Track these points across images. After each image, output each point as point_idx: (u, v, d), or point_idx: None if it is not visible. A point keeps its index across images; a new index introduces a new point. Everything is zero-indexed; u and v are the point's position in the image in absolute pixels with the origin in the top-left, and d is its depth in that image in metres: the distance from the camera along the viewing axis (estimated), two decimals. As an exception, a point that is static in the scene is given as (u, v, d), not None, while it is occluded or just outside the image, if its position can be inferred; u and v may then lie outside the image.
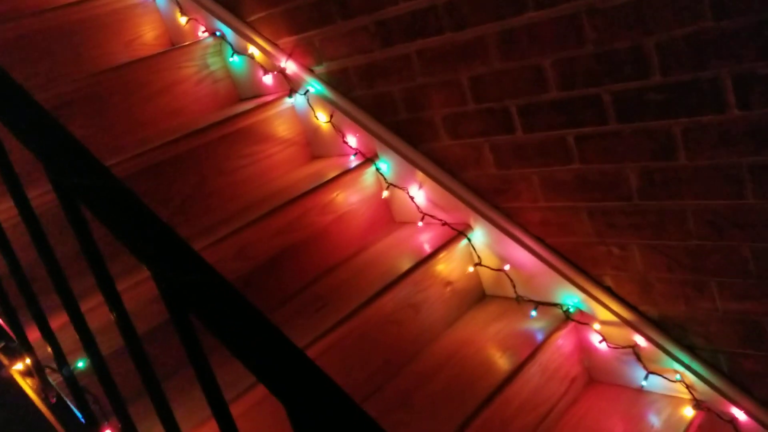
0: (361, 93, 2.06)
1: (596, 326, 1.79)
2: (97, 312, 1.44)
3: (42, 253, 1.07)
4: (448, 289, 1.95)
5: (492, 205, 1.91)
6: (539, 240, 1.86)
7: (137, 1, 2.41)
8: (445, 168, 1.97)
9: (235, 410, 0.97)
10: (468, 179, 1.93)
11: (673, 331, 1.71)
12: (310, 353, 1.63)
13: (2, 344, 1.33)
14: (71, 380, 1.19)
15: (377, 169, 2.08)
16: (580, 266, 1.81)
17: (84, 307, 1.27)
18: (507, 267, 1.90)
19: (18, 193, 1.15)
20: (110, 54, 2.34)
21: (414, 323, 1.87)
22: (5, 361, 1.32)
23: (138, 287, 1.54)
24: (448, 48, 1.79)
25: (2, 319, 1.39)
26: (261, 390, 1.51)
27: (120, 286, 1.04)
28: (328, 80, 2.12)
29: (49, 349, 1.23)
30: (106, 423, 1.24)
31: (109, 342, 1.43)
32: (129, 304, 1.02)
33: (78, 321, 1.13)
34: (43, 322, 1.21)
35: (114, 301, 1.00)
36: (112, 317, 1.16)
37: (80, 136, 1.37)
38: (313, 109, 2.16)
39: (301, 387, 0.73)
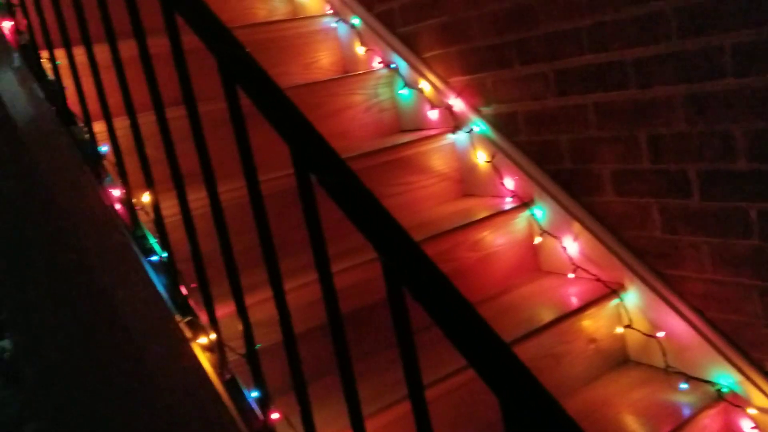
0: (527, 138, 2.09)
1: (750, 411, 1.70)
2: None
3: (262, 235, 1.14)
4: (592, 346, 1.91)
5: (651, 269, 1.87)
6: (698, 312, 1.79)
7: (320, 28, 2.56)
8: (605, 223, 1.95)
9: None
10: (628, 238, 1.90)
11: (839, 430, 1.60)
12: (446, 386, 1.64)
13: (189, 318, 1.41)
14: (253, 359, 1.25)
15: (532, 215, 2.08)
16: (741, 346, 1.73)
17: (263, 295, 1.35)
18: (661, 334, 1.84)
19: (211, 186, 1.24)
20: (289, 74, 2.49)
21: (553, 374, 1.83)
22: (189, 334, 1.40)
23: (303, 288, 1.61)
24: (629, 104, 1.79)
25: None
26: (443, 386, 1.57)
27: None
28: (494, 122, 2.16)
29: (236, 328, 1.29)
30: (272, 407, 1.29)
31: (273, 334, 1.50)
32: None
33: (279, 298, 1.20)
34: (239, 299, 1.28)
35: (279, 294, 1.07)
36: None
37: (258, 144, 1.47)
38: (474, 147, 2.20)
39: (514, 380, 0.78)
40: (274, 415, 1.29)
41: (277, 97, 1.05)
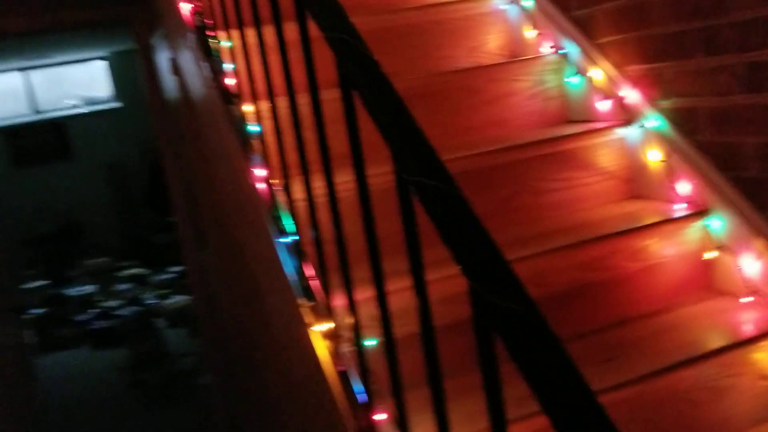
0: (707, 138, 1.84)
1: None
2: (398, 295, 1.48)
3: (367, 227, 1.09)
4: (764, 383, 1.64)
5: None
6: None
7: (488, 10, 2.44)
8: (796, 243, 1.66)
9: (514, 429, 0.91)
10: (823, 263, 1.61)
11: None
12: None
13: (313, 303, 1.41)
14: (361, 354, 1.21)
15: (706, 226, 1.84)
16: None
17: (390, 287, 1.30)
18: None
19: (360, 169, 1.19)
20: (453, 57, 2.41)
21: (712, 409, 1.61)
22: (309, 320, 1.40)
23: (443, 282, 1.54)
24: (837, 105, 1.50)
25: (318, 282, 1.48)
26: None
27: (429, 276, 1.03)
28: (671, 117, 1.93)
29: (349, 320, 1.26)
30: (380, 406, 1.24)
31: (400, 327, 1.46)
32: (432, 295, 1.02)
33: (381, 298, 1.15)
34: (349, 294, 1.25)
35: (421, 288, 1.00)
36: (406, 304, 1.17)
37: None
38: (646, 145, 1.98)
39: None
40: (380, 416, 1.24)
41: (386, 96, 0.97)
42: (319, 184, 1.52)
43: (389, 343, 1.09)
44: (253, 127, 1.73)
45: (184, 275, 6.91)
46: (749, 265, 1.75)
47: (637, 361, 1.59)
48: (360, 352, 1.22)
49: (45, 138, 7.73)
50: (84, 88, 7.87)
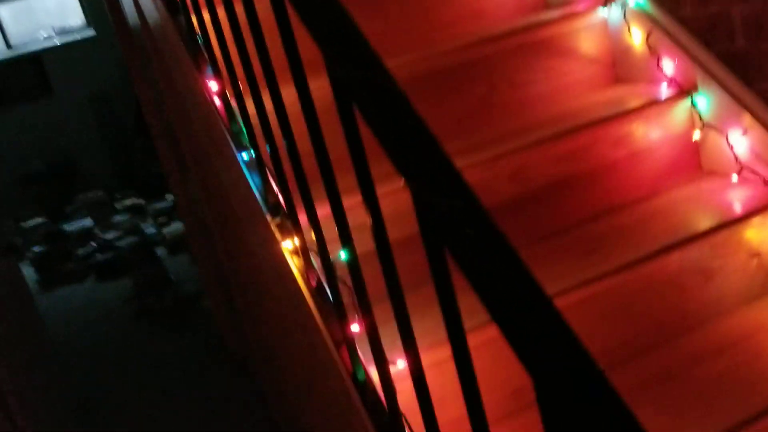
0: (691, 12, 1.72)
1: None
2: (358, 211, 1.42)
3: (315, 143, 1.02)
4: (754, 261, 1.61)
5: (840, 172, 1.50)
6: None
7: None
8: (785, 116, 1.58)
9: (472, 340, 0.87)
10: (813, 134, 1.53)
11: None
12: (569, 298, 1.45)
13: (278, 221, 1.36)
14: (328, 267, 1.17)
15: (693, 105, 1.75)
16: None
17: (348, 202, 1.24)
18: (844, 252, 1.50)
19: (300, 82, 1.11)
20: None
21: (701, 292, 1.58)
22: (278, 237, 1.35)
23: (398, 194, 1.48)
24: (827, -40, 1.38)
25: (281, 198, 1.42)
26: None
27: (381, 190, 0.96)
28: (654, -8, 1.81)
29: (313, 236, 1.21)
30: (356, 317, 1.20)
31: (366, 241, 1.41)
32: (387, 209, 0.95)
33: (338, 215, 1.10)
34: (310, 208, 1.19)
35: (372, 203, 0.94)
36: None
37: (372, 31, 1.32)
38: (628, 24, 1.87)
39: (548, 354, 0.60)
40: (354, 326, 1.21)
41: None
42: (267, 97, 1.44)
43: (353, 260, 1.04)
44: (199, 39, 1.62)
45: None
46: (737, 141, 1.68)
47: (622, 250, 1.55)
48: (327, 266, 1.18)
49: (22, 75, 7.52)
50: (56, 18, 7.59)
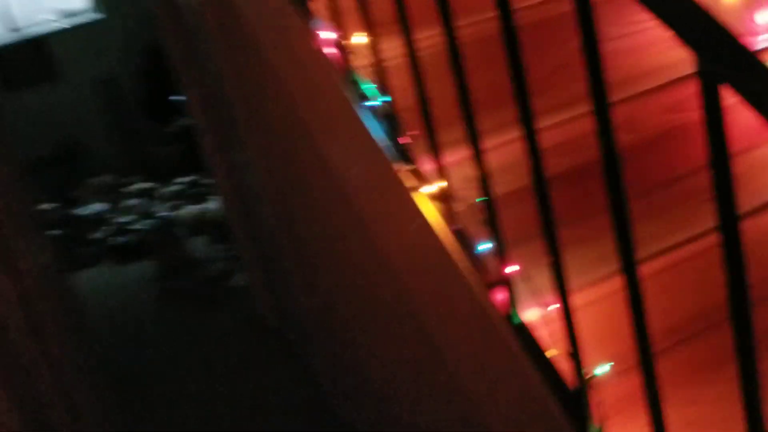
0: (795, -42, 1.70)
1: None
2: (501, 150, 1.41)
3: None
4: None
5: None
6: None
7: None
8: None
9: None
10: None
11: None
12: (695, 247, 1.45)
13: (412, 167, 1.33)
14: (490, 206, 1.14)
15: (794, 55, 1.74)
16: None
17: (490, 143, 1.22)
18: None
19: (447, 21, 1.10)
20: None
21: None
22: (413, 183, 1.32)
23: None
24: None
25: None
26: (676, 254, 1.43)
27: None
28: (752, -59, 1.78)
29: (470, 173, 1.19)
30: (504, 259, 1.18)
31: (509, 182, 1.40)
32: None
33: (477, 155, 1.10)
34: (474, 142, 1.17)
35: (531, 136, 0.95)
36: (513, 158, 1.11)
37: None
38: (722, -25, 1.85)
39: None
40: (511, 268, 1.18)
41: None
42: (393, 44, 1.41)
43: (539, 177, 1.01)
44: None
45: (192, 185, 6.82)
46: None
47: (743, 196, 1.54)
48: (489, 202, 1.15)
49: (28, 59, 7.39)
50: (61, 1, 7.46)
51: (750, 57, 0.71)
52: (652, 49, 1.93)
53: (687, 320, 1.43)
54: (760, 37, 1.79)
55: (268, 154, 2.51)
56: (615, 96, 1.71)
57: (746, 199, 1.52)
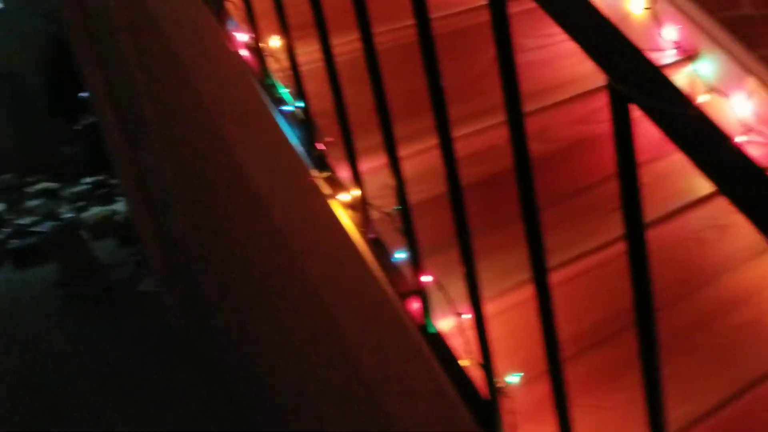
0: (696, -20, 1.79)
1: None
2: (416, 159, 1.40)
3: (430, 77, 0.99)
4: (761, 217, 1.70)
5: (842, 131, 1.60)
6: None
7: None
8: (788, 79, 1.67)
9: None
10: (817, 96, 1.63)
11: None
12: (604, 255, 1.50)
13: (327, 174, 1.30)
14: (405, 215, 1.13)
15: (695, 70, 1.82)
16: None
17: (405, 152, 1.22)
18: None
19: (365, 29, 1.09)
20: None
21: (718, 246, 1.65)
22: (327, 190, 1.30)
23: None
24: (843, -71, 1.47)
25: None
26: (587, 261, 1.46)
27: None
28: (657, -39, 1.86)
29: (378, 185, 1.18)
30: (419, 269, 1.18)
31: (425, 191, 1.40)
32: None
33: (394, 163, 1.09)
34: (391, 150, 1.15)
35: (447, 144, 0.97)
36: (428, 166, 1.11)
37: None
38: (630, -8, 1.92)
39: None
40: (426, 277, 1.18)
41: None
42: (310, 48, 1.39)
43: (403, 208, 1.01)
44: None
45: (100, 185, 6.53)
46: (741, 105, 1.76)
47: (648, 206, 1.60)
48: (405, 211, 1.14)
49: None
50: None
51: (657, 76, 0.73)
52: (566, 61, 1.98)
53: (597, 326, 1.48)
54: (667, 53, 1.87)
55: (180, 156, 2.43)
56: (529, 106, 1.74)
57: (653, 208, 1.59)
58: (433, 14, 1.80)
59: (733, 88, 1.76)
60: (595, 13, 0.77)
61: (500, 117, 1.10)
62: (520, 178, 0.88)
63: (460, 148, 1.53)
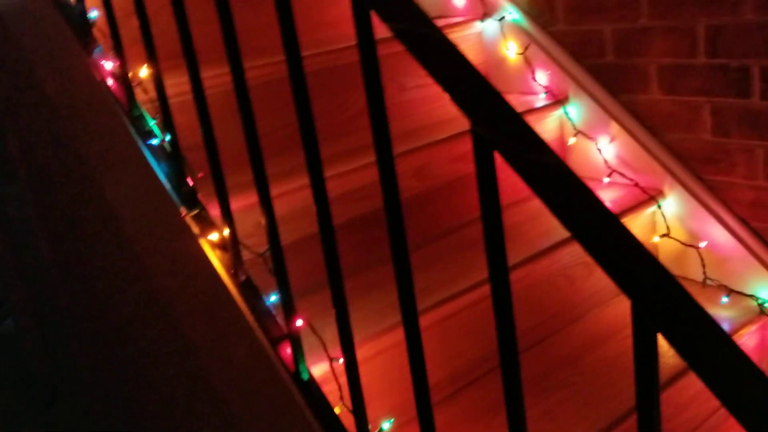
0: (565, 28, 1.88)
1: (796, 328, 1.60)
2: (289, 197, 1.37)
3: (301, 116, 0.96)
4: (625, 255, 1.78)
5: (694, 175, 1.72)
6: (743, 221, 1.66)
7: None
8: (647, 125, 1.78)
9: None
10: (672, 141, 1.74)
11: None
12: (480, 292, 1.51)
13: (196, 211, 1.24)
14: (277, 256, 1.09)
15: (565, 113, 1.91)
16: (789, 259, 1.61)
17: (275, 191, 1.19)
18: (703, 244, 1.71)
19: (236, 62, 1.06)
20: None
21: (586, 283, 1.71)
22: (196, 229, 1.23)
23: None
24: (691, -12, 1.59)
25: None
26: (461, 301, 1.46)
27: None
28: (529, 9, 1.94)
29: (250, 224, 1.13)
30: (291, 312, 1.14)
31: (298, 229, 1.36)
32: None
33: (265, 202, 1.06)
34: (262, 188, 1.11)
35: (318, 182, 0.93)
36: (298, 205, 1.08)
37: (266, 23, 1.29)
38: (505, 38, 1.99)
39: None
40: (298, 322, 1.14)
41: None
42: (180, 80, 1.33)
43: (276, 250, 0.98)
44: (92, 13, 1.46)
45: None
46: (605, 148, 1.85)
47: (520, 246, 1.63)
48: (275, 252, 1.10)
49: None
50: None
51: (517, 122, 0.74)
52: (446, 100, 2.00)
53: (472, 365, 1.48)
54: (540, 96, 1.95)
55: (43, 188, 2.26)
56: (409, 144, 1.77)
57: (528, 246, 1.63)
58: (314, 50, 1.81)
59: (599, 132, 1.86)
60: (460, 58, 0.77)
61: (371, 156, 1.10)
62: (389, 221, 0.86)
63: (336, 186, 1.51)
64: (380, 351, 1.27)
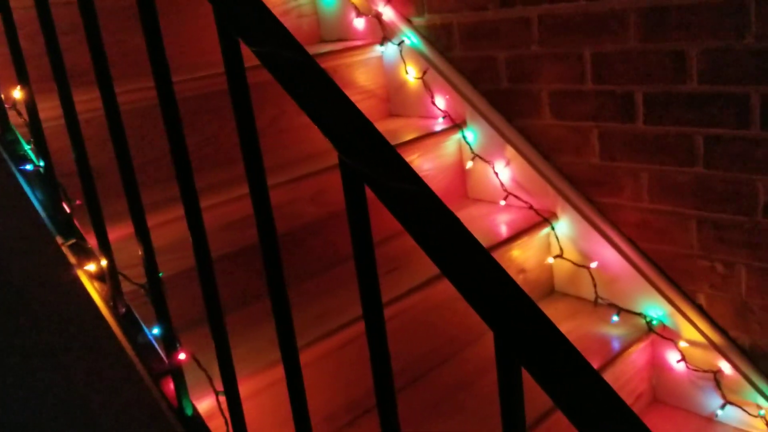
0: (462, 54, 1.91)
1: (681, 344, 1.66)
2: (172, 226, 1.31)
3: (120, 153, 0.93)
4: (521, 277, 1.81)
5: (585, 197, 1.77)
6: (631, 242, 1.72)
7: None
8: (540, 149, 1.83)
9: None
10: (563, 164, 1.79)
11: (765, 363, 1.59)
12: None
13: (73, 241, 1.17)
14: (156, 289, 1.04)
15: (463, 137, 1.93)
16: (673, 278, 1.68)
17: (156, 220, 1.14)
18: (593, 265, 1.76)
19: (107, 87, 1.01)
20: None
21: (482, 306, 1.73)
22: (73, 260, 1.17)
23: (214, 209, 1.40)
24: (578, 18, 1.65)
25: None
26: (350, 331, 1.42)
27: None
28: (427, 34, 1.97)
29: (130, 254, 1.08)
30: (180, 345, 1.09)
31: (184, 259, 1.31)
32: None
33: (142, 233, 1.01)
34: (138, 218, 1.06)
35: (194, 216, 0.89)
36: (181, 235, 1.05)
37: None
38: (404, 62, 2.01)
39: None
40: (181, 356, 1.09)
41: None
42: (55, 103, 1.27)
43: (205, 264, 0.94)
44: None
45: None
46: (501, 171, 1.89)
47: (418, 270, 1.64)
48: (152, 283, 1.05)
49: None
50: None
51: (391, 159, 0.73)
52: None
53: (365, 394, 1.46)
54: (439, 120, 1.97)
55: None
56: (306, 168, 1.74)
57: (426, 269, 1.63)
58: (209, 71, 1.76)
59: (495, 156, 1.89)
60: (330, 87, 0.76)
61: (269, 180, 1.07)
62: (265, 254, 0.84)
63: (230, 213, 1.47)
64: (271, 383, 1.23)
